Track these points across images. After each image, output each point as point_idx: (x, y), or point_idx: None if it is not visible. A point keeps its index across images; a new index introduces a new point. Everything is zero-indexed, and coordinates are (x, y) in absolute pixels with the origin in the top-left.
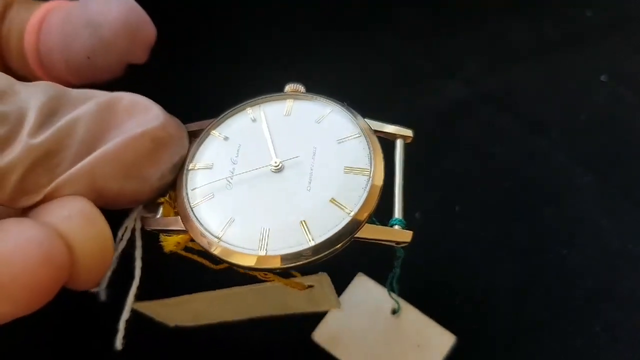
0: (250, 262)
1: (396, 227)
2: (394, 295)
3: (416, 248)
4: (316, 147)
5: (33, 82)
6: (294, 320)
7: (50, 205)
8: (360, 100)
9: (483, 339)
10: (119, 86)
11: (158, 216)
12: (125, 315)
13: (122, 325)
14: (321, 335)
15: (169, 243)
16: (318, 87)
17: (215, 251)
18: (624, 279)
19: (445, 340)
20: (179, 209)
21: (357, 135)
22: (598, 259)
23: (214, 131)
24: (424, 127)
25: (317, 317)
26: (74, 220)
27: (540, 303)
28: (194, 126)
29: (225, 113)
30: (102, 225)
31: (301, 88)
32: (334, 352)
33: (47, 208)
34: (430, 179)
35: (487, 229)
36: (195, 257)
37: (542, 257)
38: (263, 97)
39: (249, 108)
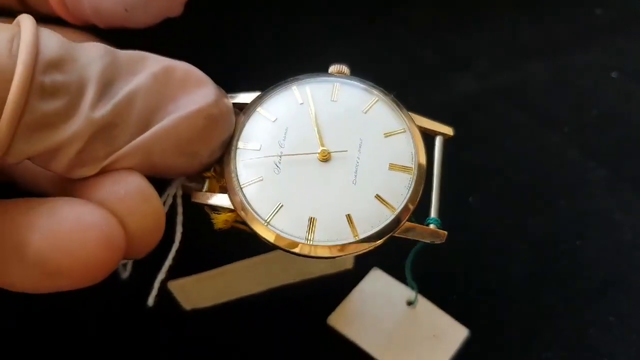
0: (297, 249)
1: (432, 226)
2: (411, 281)
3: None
4: (362, 139)
5: (85, 44)
6: (308, 305)
7: (105, 180)
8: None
9: (498, 329)
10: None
11: (204, 190)
12: (161, 275)
13: (156, 284)
14: (337, 319)
15: (219, 221)
16: None
17: (263, 234)
18: (637, 270)
19: (459, 332)
20: (228, 187)
21: (402, 131)
22: (611, 250)
23: (260, 109)
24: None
25: (332, 303)
26: (130, 200)
27: (554, 293)
28: (237, 98)
29: (270, 88)
30: (156, 203)
31: (345, 69)
32: (349, 334)
33: (102, 184)
34: (444, 172)
35: (502, 221)
36: (241, 227)
37: (556, 249)
38: (308, 75)
39: (294, 86)
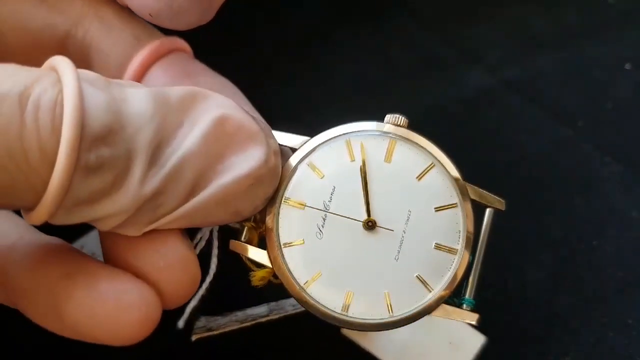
0: (331, 320)
1: (465, 306)
2: None
3: None
4: (411, 212)
5: (133, 96)
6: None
7: (145, 247)
8: (383, 91)
9: (515, 331)
10: None
11: (243, 239)
12: (193, 302)
13: (188, 310)
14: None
15: (256, 278)
16: (340, 78)
17: (298, 298)
18: None
19: (476, 340)
20: (268, 242)
21: (454, 206)
22: (628, 249)
23: (310, 161)
24: (448, 116)
25: None
26: (169, 271)
27: (571, 295)
28: (285, 140)
29: (319, 138)
30: (194, 271)
31: (403, 120)
32: (364, 344)
33: (142, 250)
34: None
35: (517, 220)
36: (276, 282)
37: (573, 248)
38: (361, 127)
39: (348, 139)
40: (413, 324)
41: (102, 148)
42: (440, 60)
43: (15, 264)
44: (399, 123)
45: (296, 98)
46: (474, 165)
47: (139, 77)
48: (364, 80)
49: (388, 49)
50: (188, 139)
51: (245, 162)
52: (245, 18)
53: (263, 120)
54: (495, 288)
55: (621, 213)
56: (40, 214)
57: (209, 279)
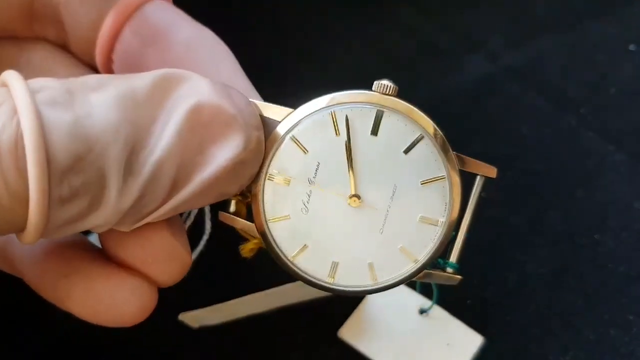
0: (318, 287)
1: (449, 269)
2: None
3: None
4: (397, 186)
5: (98, 107)
6: (319, 318)
7: (134, 245)
8: (383, 78)
9: (514, 330)
10: None
11: (231, 210)
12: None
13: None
14: (348, 331)
15: (246, 250)
16: (339, 64)
17: (285, 269)
18: None
19: (473, 340)
20: (255, 217)
21: (441, 178)
22: (630, 243)
23: (293, 136)
24: (448, 106)
25: (343, 316)
26: (158, 264)
27: (573, 291)
28: (268, 111)
29: (304, 109)
30: (183, 258)
31: (392, 88)
32: (361, 347)
33: (131, 248)
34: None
35: (518, 214)
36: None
37: (574, 243)
38: (347, 96)
39: (332, 111)
40: (410, 327)
41: (72, 177)
42: (439, 48)
43: (19, 260)
44: (387, 92)
45: (290, 89)
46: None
47: (111, 45)
48: (360, 71)
49: (385, 37)
50: (163, 138)
51: (224, 150)
52: (240, 7)
53: (247, 87)
54: (494, 286)
55: (624, 205)
56: (27, 240)
57: (205, 238)
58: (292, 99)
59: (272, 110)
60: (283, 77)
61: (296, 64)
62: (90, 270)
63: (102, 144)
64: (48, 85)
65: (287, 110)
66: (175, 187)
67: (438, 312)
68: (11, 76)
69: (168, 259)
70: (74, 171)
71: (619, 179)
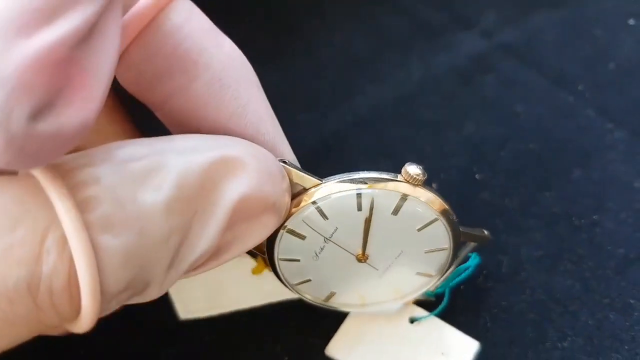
0: (312, 303)
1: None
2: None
3: None
4: (403, 251)
5: (152, 217)
6: (304, 335)
7: None
8: (374, 58)
9: (510, 315)
10: None
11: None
12: None
13: None
14: (335, 348)
15: (254, 271)
16: (328, 46)
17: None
18: None
19: (469, 347)
20: (267, 251)
21: (444, 249)
22: (630, 223)
23: (318, 207)
24: (442, 85)
25: (329, 332)
26: None
27: (570, 275)
28: (296, 179)
29: (331, 187)
30: None
31: (421, 175)
32: None
33: None
34: (449, 143)
35: (512, 197)
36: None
37: (571, 224)
38: (377, 182)
39: (358, 193)
40: (401, 337)
41: (122, 294)
42: (431, 26)
43: None
44: (415, 183)
45: (283, 71)
46: (467, 140)
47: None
48: (352, 52)
49: (377, 16)
50: (204, 236)
51: (256, 232)
52: None
53: (275, 129)
54: (488, 270)
55: (624, 183)
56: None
57: None
58: (284, 79)
59: (300, 179)
60: (273, 59)
61: (288, 45)
62: None
63: (153, 260)
64: (97, 197)
65: (315, 181)
66: (204, 265)
67: (430, 320)
68: (55, 189)
69: None
70: (124, 290)
71: (618, 158)
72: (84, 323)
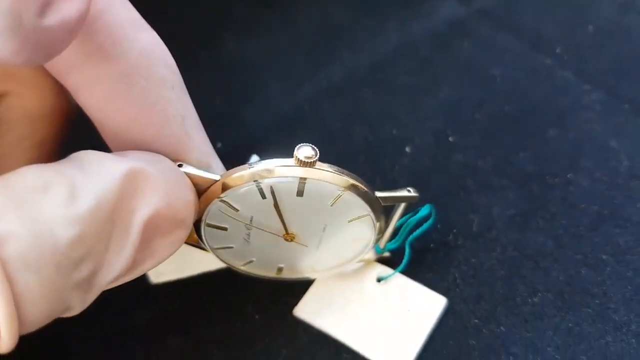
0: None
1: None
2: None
3: (408, 185)
4: (327, 225)
5: (64, 228)
6: (275, 295)
7: None
8: (351, 27)
9: (480, 272)
10: None
11: None
12: None
13: None
14: (303, 309)
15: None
16: (305, 15)
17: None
18: (635, 201)
19: (436, 303)
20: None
21: (366, 215)
22: (604, 181)
23: (222, 199)
24: (419, 50)
25: (300, 291)
26: None
27: (543, 232)
28: (199, 180)
29: (230, 180)
30: None
31: (313, 155)
32: (319, 325)
33: None
34: (424, 107)
35: (486, 158)
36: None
37: (545, 183)
38: (269, 172)
39: (256, 186)
40: (367, 297)
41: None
42: None
43: None
44: (308, 163)
45: (258, 45)
46: (442, 104)
47: None
48: (330, 20)
49: None
50: (118, 262)
51: (169, 246)
52: None
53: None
54: (458, 229)
55: (599, 142)
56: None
57: None
58: (259, 53)
59: (200, 180)
60: (248, 33)
61: (262, 17)
62: None
63: (70, 295)
64: (12, 231)
65: (213, 179)
66: (117, 280)
67: (397, 277)
68: None
69: None
70: (46, 318)
71: (594, 118)
72: (3, 348)
